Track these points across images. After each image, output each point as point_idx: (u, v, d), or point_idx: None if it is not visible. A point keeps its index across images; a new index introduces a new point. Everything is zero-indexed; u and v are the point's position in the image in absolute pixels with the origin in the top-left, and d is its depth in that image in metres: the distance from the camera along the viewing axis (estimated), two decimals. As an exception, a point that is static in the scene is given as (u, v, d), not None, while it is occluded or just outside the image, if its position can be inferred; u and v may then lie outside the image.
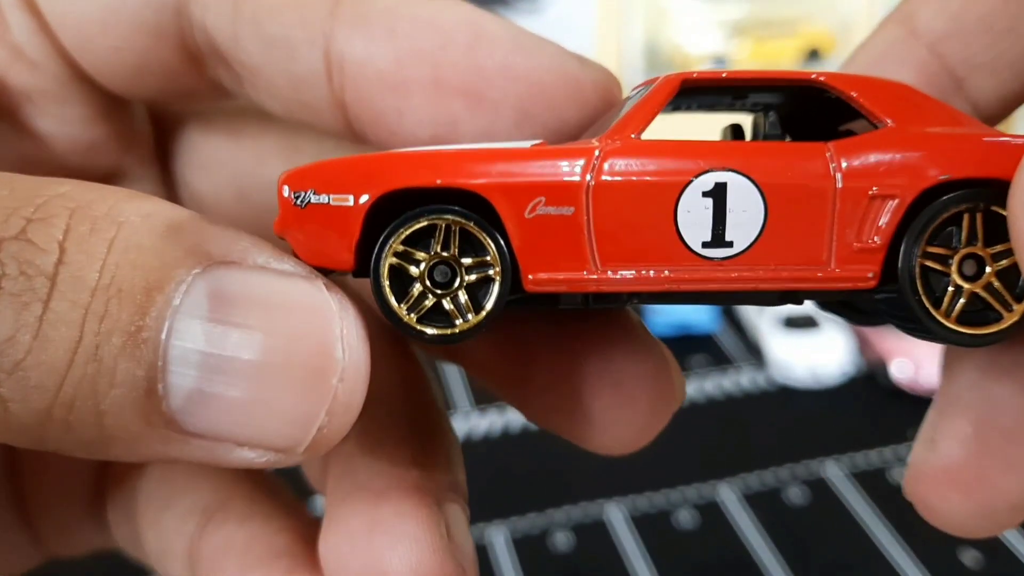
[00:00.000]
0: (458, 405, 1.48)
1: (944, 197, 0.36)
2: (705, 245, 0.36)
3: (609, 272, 0.36)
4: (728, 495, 1.27)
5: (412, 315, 0.36)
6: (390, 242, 0.36)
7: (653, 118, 0.38)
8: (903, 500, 1.30)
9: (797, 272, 0.37)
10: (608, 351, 0.44)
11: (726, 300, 0.39)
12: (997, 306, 0.36)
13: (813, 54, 2.14)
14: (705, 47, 2.12)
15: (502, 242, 0.36)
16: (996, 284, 0.36)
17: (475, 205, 0.36)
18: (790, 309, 1.58)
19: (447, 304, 0.36)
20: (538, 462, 1.32)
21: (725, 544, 1.19)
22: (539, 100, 0.41)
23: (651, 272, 0.36)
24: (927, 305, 0.36)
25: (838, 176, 0.36)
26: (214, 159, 0.51)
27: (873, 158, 0.36)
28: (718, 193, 0.36)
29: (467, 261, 0.37)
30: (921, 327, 0.37)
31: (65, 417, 0.31)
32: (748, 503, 1.26)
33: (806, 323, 1.58)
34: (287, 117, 0.46)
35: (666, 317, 1.63)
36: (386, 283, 0.36)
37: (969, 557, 1.14)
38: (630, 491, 1.27)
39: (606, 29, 2.02)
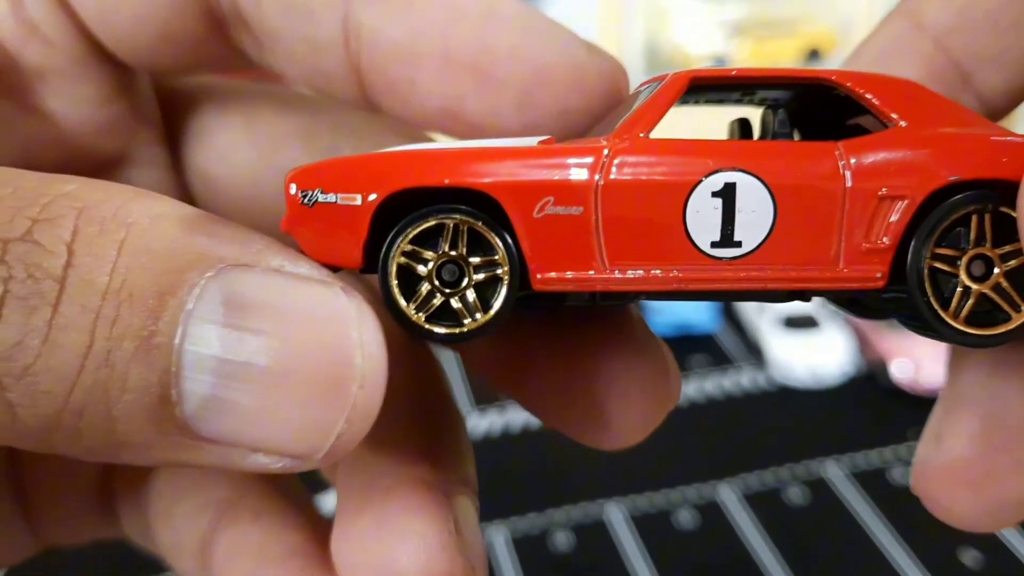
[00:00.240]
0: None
1: (953, 198, 0.36)
2: (714, 245, 0.36)
3: (617, 272, 0.36)
4: (728, 495, 1.27)
5: (420, 314, 0.36)
6: (398, 242, 0.36)
7: (662, 116, 0.38)
8: (903, 500, 1.30)
9: (805, 272, 0.37)
10: (608, 346, 0.44)
11: (733, 298, 0.39)
12: (1005, 307, 0.36)
13: (813, 54, 2.14)
14: (705, 47, 2.12)
15: (510, 241, 0.36)
16: (1004, 284, 0.36)
17: (483, 204, 0.36)
18: (790, 309, 1.58)
19: (455, 303, 0.36)
20: (538, 462, 1.32)
21: (725, 544, 1.19)
22: (542, 84, 0.40)
23: (659, 272, 0.36)
24: (935, 306, 0.36)
25: (847, 176, 0.36)
26: (228, 144, 0.51)
27: (883, 158, 0.36)
28: (727, 193, 0.36)
29: (475, 260, 0.36)
30: (929, 327, 0.37)
31: (75, 423, 0.30)
32: (748, 503, 1.26)
33: (806, 323, 1.58)
34: (304, 83, 0.46)
35: (666, 317, 1.63)
36: (394, 283, 0.36)
37: (969, 557, 1.14)
38: (630, 491, 1.27)
39: (606, 29, 2.02)
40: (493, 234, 0.36)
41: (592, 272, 0.36)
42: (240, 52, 0.46)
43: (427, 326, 0.36)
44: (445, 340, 0.36)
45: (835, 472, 1.31)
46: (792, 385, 1.52)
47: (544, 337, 0.45)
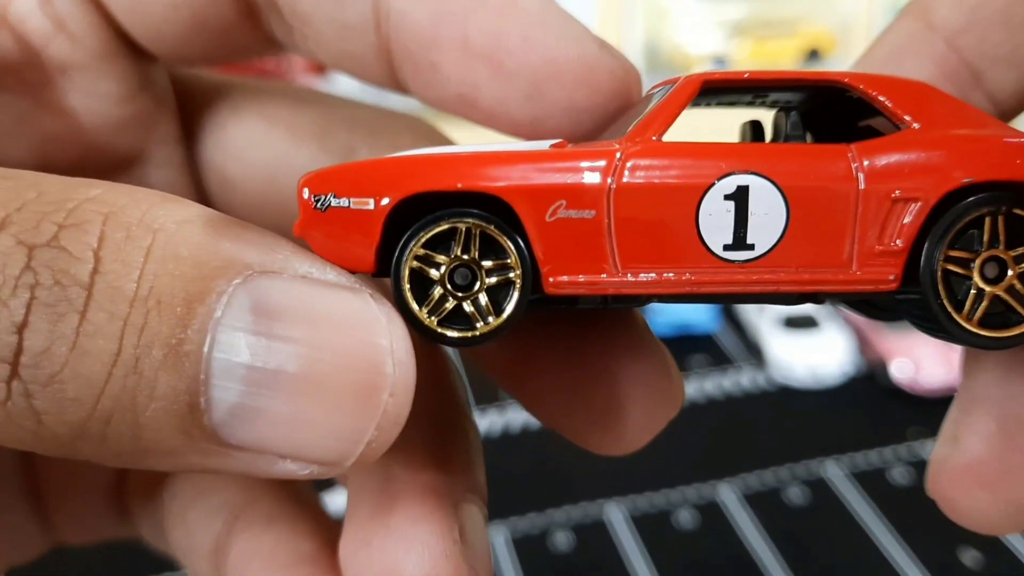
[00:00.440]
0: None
1: (967, 200, 0.36)
2: (726, 248, 0.36)
3: (629, 275, 0.36)
4: (728, 495, 1.27)
5: (433, 318, 0.36)
6: (411, 246, 0.36)
7: (674, 120, 0.38)
8: (903, 500, 1.29)
9: (818, 274, 0.37)
10: (612, 351, 0.44)
11: (745, 300, 0.39)
12: (1019, 308, 0.36)
13: (813, 54, 2.14)
14: (705, 47, 2.12)
15: (522, 244, 0.36)
16: (1018, 286, 0.36)
17: (496, 208, 0.36)
18: (791, 309, 1.58)
19: (467, 307, 0.36)
20: (538, 462, 1.32)
21: (725, 544, 1.19)
22: (551, 77, 0.40)
23: (672, 275, 0.36)
24: (949, 308, 0.36)
25: (860, 178, 0.36)
26: (246, 143, 0.51)
27: (896, 160, 0.36)
28: (740, 196, 0.36)
29: (487, 264, 0.37)
30: (942, 329, 0.37)
31: (102, 430, 0.30)
32: (748, 503, 1.26)
33: (806, 323, 1.58)
34: (334, 66, 0.46)
35: (666, 317, 1.63)
36: (407, 287, 0.36)
37: (969, 557, 1.14)
38: (630, 491, 1.27)
39: (606, 29, 2.02)
40: (505, 238, 0.36)
41: (604, 275, 0.36)
42: (269, 38, 0.46)
43: (439, 330, 0.36)
44: (458, 344, 0.36)
45: (835, 472, 1.31)
46: (792, 385, 1.52)
47: (548, 340, 0.45)
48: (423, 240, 0.36)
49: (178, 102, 0.51)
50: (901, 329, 1.51)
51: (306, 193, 0.37)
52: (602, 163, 0.36)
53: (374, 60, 0.43)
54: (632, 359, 0.44)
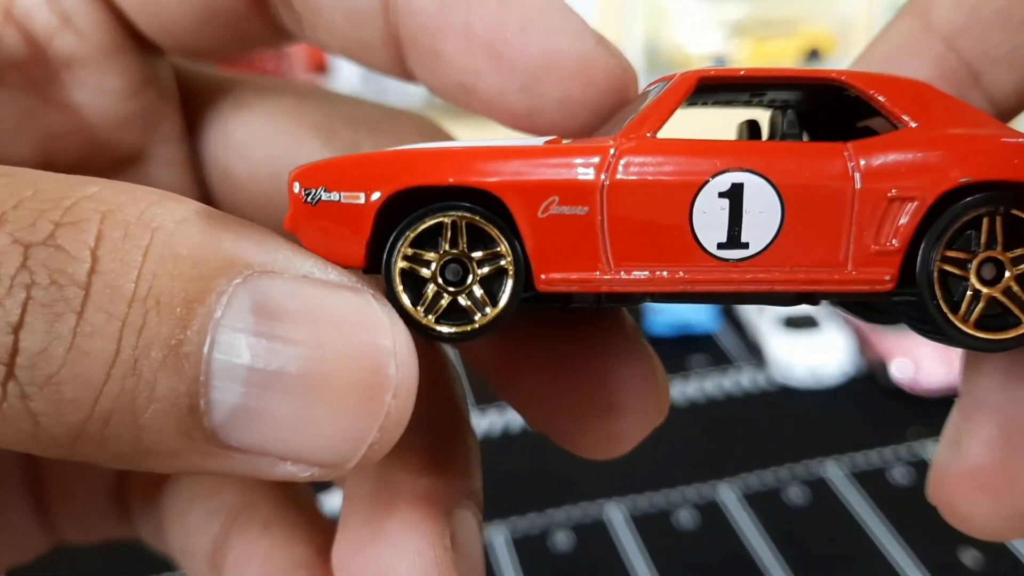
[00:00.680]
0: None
1: (964, 200, 0.36)
2: (720, 246, 0.36)
3: (623, 272, 0.36)
4: (728, 495, 1.27)
5: (430, 316, 0.36)
6: (399, 245, 0.36)
7: (669, 116, 0.38)
8: (903, 500, 1.29)
9: (813, 274, 0.36)
10: (598, 355, 0.43)
11: (741, 300, 0.38)
12: (1016, 311, 0.36)
13: (813, 54, 2.14)
14: (705, 47, 2.12)
15: (515, 241, 0.36)
16: (1015, 288, 0.36)
17: (488, 204, 0.36)
18: (791, 309, 1.58)
19: (463, 301, 0.36)
20: (538, 462, 1.32)
21: (725, 544, 1.19)
22: (546, 70, 0.40)
23: (665, 273, 0.36)
24: (945, 310, 0.36)
25: (857, 177, 0.36)
26: (249, 140, 0.51)
27: (892, 159, 0.36)
28: (734, 194, 0.36)
29: (477, 255, 0.36)
30: (939, 331, 0.36)
31: (100, 432, 0.30)
32: (748, 503, 1.26)
33: (806, 323, 1.58)
34: (343, 54, 0.45)
35: (666, 317, 1.63)
36: (399, 288, 0.36)
37: (969, 557, 1.14)
38: (630, 491, 1.27)
39: (606, 29, 2.01)
40: (492, 226, 0.36)
41: (597, 273, 0.36)
42: (277, 27, 0.46)
43: (437, 328, 0.36)
44: (457, 339, 0.36)
45: (835, 472, 1.31)
46: (792, 385, 1.52)
47: (536, 340, 0.45)
48: (410, 239, 0.36)
49: (181, 99, 0.51)
50: (901, 329, 1.51)
51: (296, 187, 0.37)
52: (596, 159, 0.36)
53: (382, 47, 0.43)
54: (619, 363, 0.43)
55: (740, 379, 1.54)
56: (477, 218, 0.36)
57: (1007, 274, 0.36)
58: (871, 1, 2.12)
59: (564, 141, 0.39)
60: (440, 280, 0.36)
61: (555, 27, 0.40)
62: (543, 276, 0.36)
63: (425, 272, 0.36)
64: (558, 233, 0.36)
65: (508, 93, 0.41)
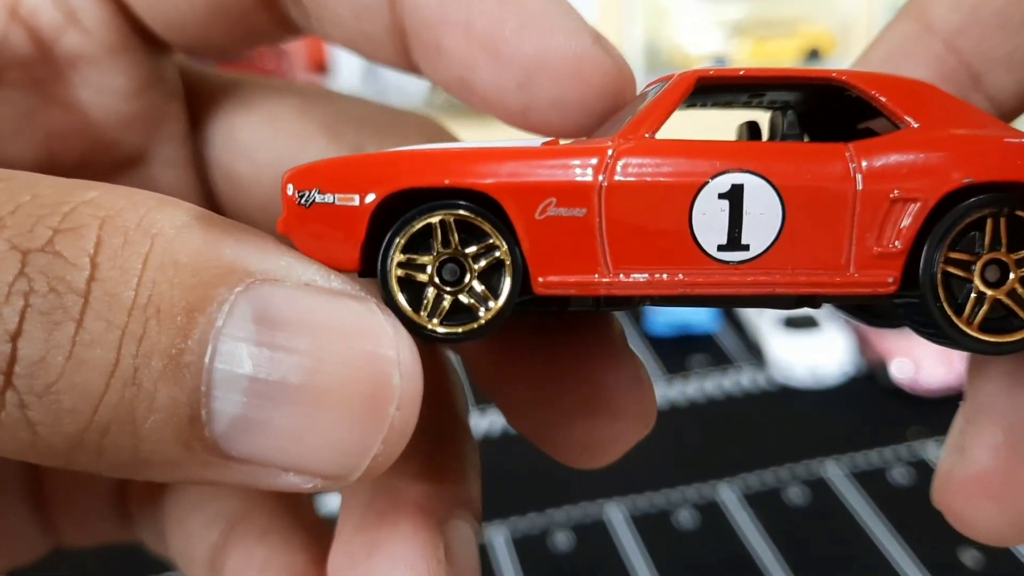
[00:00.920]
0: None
1: (967, 201, 0.35)
2: (720, 248, 0.35)
3: (621, 275, 0.35)
4: (728, 495, 1.27)
5: (435, 320, 0.35)
6: (393, 248, 0.35)
7: (668, 117, 0.37)
8: (903, 500, 1.29)
9: (815, 277, 0.36)
10: (585, 363, 0.43)
11: (740, 303, 0.38)
12: (1021, 313, 0.35)
13: (813, 54, 2.13)
14: (705, 47, 2.12)
15: (511, 241, 0.35)
16: (1020, 290, 0.35)
17: (485, 206, 0.35)
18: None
19: (465, 299, 0.35)
20: (538, 462, 1.32)
21: (725, 544, 1.19)
22: (541, 68, 0.40)
23: (665, 275, 0.35)
24: (949, 312, 0.35)
25: (858, 178, 0.35)
26: (253, 141, 0.50)
27: (894, 160, 0.35)
28: (734, 195, 0.35)
29: (471, 250, 0.36)
30: (941, 334, 0.36)
31: (99, 442, 0.29)
32: (748, 503, 1.26)
33: (806, 323, 1.58)
34: (349, 47, 0.45)
35: (666, 317, 1.63)
36: (400, 297, 0.35)
37: (969, 557, 1.14)
38: (630, 491, 1.27)
39: (606, 29, 2.01)
40: (480, 219, 0.35)
41: (596, 276, 0.35)
42: (285, 21, 0.46)
43: (444, 330, 0.35)
44: (466, 338, 0.35)
45: (835, 472, 1.31)
46: (792, 385, 1.52)
47: (524, 347, 0.44)
48: (401, 246, 0.35)
49: (185, 99, 0.51)
50: (901, 330, 1.51)
51: (290, 189, 0.36)
52: (593, 160, 0.35)
53: (387, 40, 0.43)
54: (604, 371, 0.43)
55: (740, 379, 1.54)
56: (463, 213, 0.35)
57: (1011, 276, 0.36)
58: (871, 1, 2.12)
59: (562, 142, 0.38)
60: (439, 282, 0.36)
61: (552, 26, 0.40)
62: (541, 279, 0.35)
63: (422, 276, 0.35)
64: (556, 235, 0.35)
65: (504, 90, 0.41)
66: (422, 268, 0.35)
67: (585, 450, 0.43)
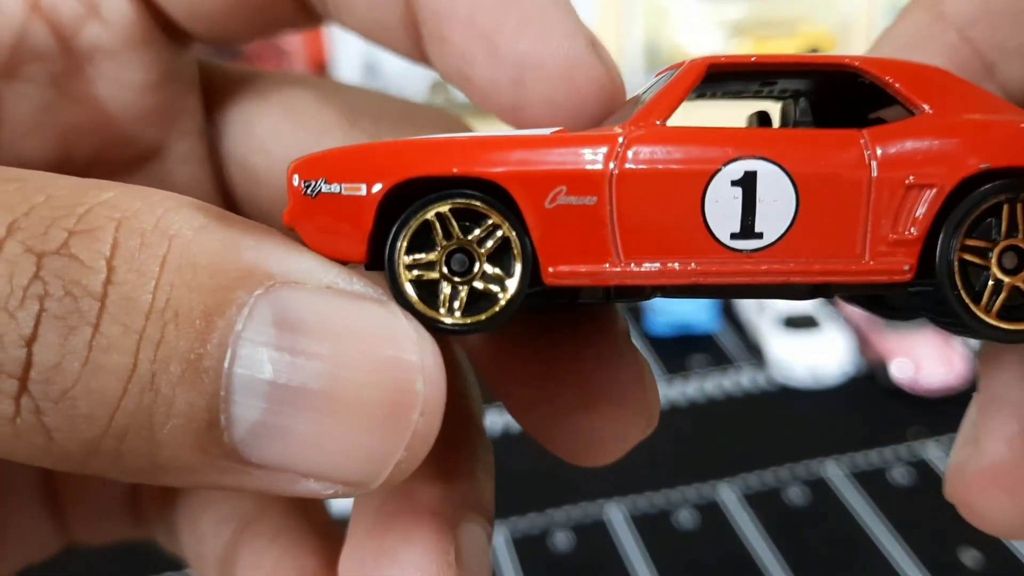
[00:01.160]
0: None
1: (984, 187, 0.35)
2: (734, 236, 0.35)
3: (633, 265, 0.35)
4: (728, 495, 1.27)
5: (458, 314, 0.34)
6: (399, 245, 0.35)
7: (679, 104, 0.37)
8: (903, 500, 1.29)
9: (829, 265, 0.35)
10: (588, 360, 0.42)
11: (754, 293, 0.37)
12: None
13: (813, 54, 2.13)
14: (705, 47, 2.12)
15: (515, 220, 0.35)
16: None
17: (494, 195, 0.35)
18: (790, 308, 1.58)
19: (480, 284, 0.35)
20: (538, 462, 1.32)
21: (725, 544, 1.19)
22: (533, 68, 0.40)
23: (677, 265, 0.35)
24: (966, 300, 0.35)
25: (873, 165, 0.35)
26: (270, 135, 0.50)
27: (910, 146, 0.35)
28: (747, 182, 0.34)
29: (475, 235, 0.35)
30: (959, 322, 0.35)
31: (116, 448, 0.29)
32: (748, 503, 1.26)
33: (806, 323, 1.58)
34: (364, 36, 0.45)
35: (666, 317, 1.63)
36: (418, 302, 0.34)
37: (969, 557, 1.14)
38: (630, 491, 1.27)
39: (606, 29, 2.02)
40: (476, 200, 0.35)
41: (607, 265, 0.35)
42: (306, 8, 0.45)
43: (473, 320, 0.34)
44: (476, 329, 0.35)
45: (835, 472, 1.31)
46: (792, 385, 1.52)
47: (527, 343, 0.44)
48: (404, 249, 0.35)
49: (203, 93, 0.50)
50: (901, 329, 1.51)
51: (296, 180, 0.35)
52: (604, 148, 0.34)
53: (401, 29, 0.42)
54: (607, 368, 0.42)
55: (740, 379, 1.54)
56: (461, 202, 0.35)
57: None
58: (871, 1, 2.12)
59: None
60: (450, 274, 0.35)
61: (549, 27, 0.40)
62: (551, 269, 0.35)
63: (433, 274, 0.35)
64: (566, 224, 0.34)
65: (499, 85, 0.40)
66: (431, 266, 0.35)
67: (588, 447, 0.43)
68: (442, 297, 0.35)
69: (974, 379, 1.43)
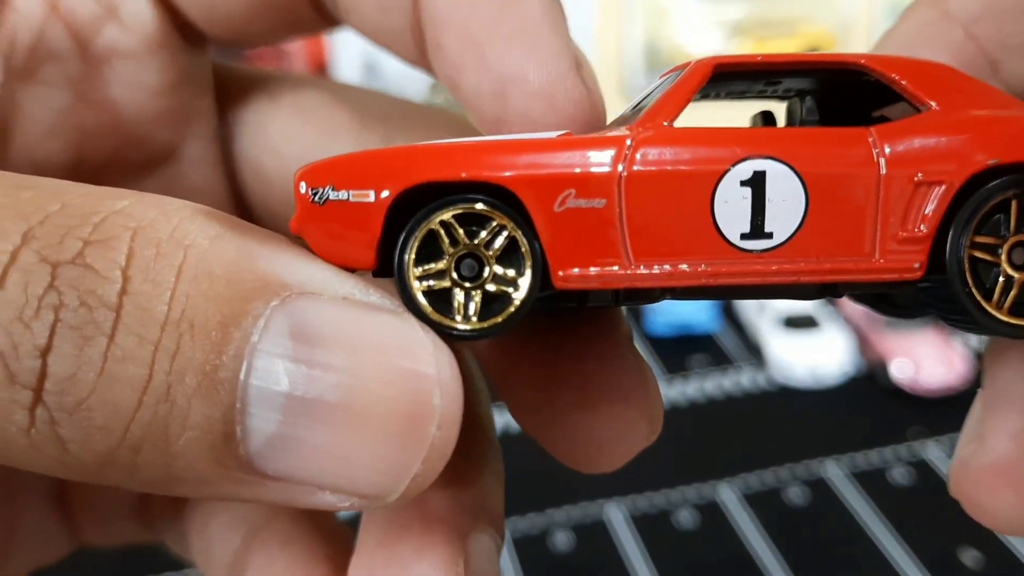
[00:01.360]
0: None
1: (992, 183, 0.35)
2: (744, 237, 0.35)
3: (643, 267, 0.35)
4: (728, 495, 1.27)
5: (474, 319, 0.34)
6: (408, 251, 0.34)
7: (686, 105, 0.37)
8: (903, 500, 1.29)
9: (840, 263, 0.35)
10: (590, 366, 0.42)
11: (763, 294, 0.37)
12: None
13: (813, 54, 2.13)
14: (705, 47, 2.11)
15: (524, 224, 0.35)
16: None
17: (503, 200, 0.35)
18: (790, 309, 1.58)
19: (492, 287, 0.35)
20: (538, 462, 1.32)
21: (725, 544, 1.19)
22: (515, 83, 0.40)
23: (687, 266, 0.35)
24: (978, 297, 0.35)
25: (882, 162, 0.35)
26: (282, 136, 0.50)
27: (918, 143, 0.35)
28: (757, 182, 0.34)
29: (482, 236, 0.35)
30: (970, 319, 0.35)
31: (131, 459, 0.29)
32: (748, 503, 1.26)
33: (806, 323, 1.58)
34: (374, 41, 0.45)
35: (666, 317, 1.63)
36: (420, 297, 0.34)
37: (969, 557, 1.14)
38: (630, 491, 1.27)
39: (606, 29, 2.02)
40: (478, 204, 0.34)
41: (616, 268, 0.35)
42: (323, 11, 0.45)
43: (485, 325, 0.34)
44: (507, 326, 0.34)
45: (835, 472, 1.31)
46: (792, 385, 1.52)
47: (532, 347, 0.44)
48: (413, 259, 0.34)
49: (216, 95, 0.50)
50: (901, 329, 1.51)
51: (303, 187, 0.35)
52: (612, 150, 0.34)
53: (409, 36, 0.43)
54: (609, 373, 0.42)
55: (740, 379, 1.54)
56: (461, 208, 0.34)
57: None
58: (871, 1, 2.12)
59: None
60: (461, 280, 0.35)
61: (537, 43, 0.40)
62: (560, 272, 0.35)
63: (445, 283, 0.34)
64: (575, 227, 0.34)
65: (482, 95, 0.40)
66: (441, 275, 0.35)
67: (589, 452, 0.43)
68: (456, 304, 0.34)
69: (974, 379, 1.43)
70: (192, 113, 0.48)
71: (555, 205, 0.34)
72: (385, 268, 0.35)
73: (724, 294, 0.37)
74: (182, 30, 0.46)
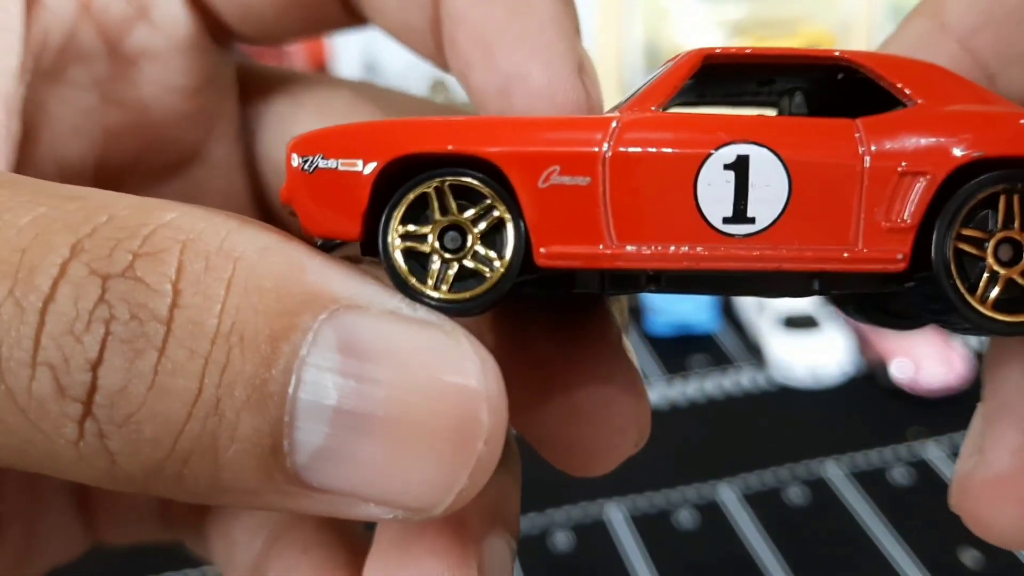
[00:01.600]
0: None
1: (979, 178, 0.35)
2: (726, 221, 0.35)
3: (627, 247, 0.35)
4: (728, 495, 1.27)
5: (443, 287, 0.35)
6: (392, 221, 0.35)
7: (675, 92, 0.37)
8: (903, 500, 1.29)
9: (822, 252, 0.35)
10: (580, 368, 0.43)
11: (749, 287, 0.37)
12: None
13: (813, 54, 2.13)
14: (705, 47, 2.11)
15: (508, 199, 0.35)
16: None
17: (489, 174, 0.35)
18: (790, 308, 1.58)
19: (471, 263, 0.35)
20: (538, 462, 1.32)
21: (725, 544, 1.19)
22: (519, 82, 0.40)
23: (669, 248, 0.35)
24: (962, 291, 0.35)
25: (866, 152, 0.35)
26: None
27: (903, 134, 0.35)
28: (740, 166, 0.35)
29: (470, 214, 0.35)
30: (956, 316, 0.35)
31: (178, 471, 0.29)
32: (748, 503, 1.26)
33: (806, 323, 1.57)
34: (395, 37, 0.45)
35: (666, 317, 1.63)
36: (398, 260, 0.35)
37: (969, 557, 1.14)
38: (630, 491, 1.27)
39: (606, 29, 2.02)
40: (471, 179, 0.35)
41: (599, 247, 0.35)
42: (351, 8, 0.46)
43: (456, 297, 0.34)
44: (477, 304, 0.35)
45: (835, 472, 1.31)
46: (792, 385, 1.52)
47: (522, 348, 0.44)
48: (401, 216, 0.35)
49: (240, 97, 0.51)
50: (907, 330, 1.51)
51: (294, 158, 0.36)
52: (599, 130, 0.35)
53: (429, 34, 0.43)
54: (597, 379, 0.42)
55: (740, 379, 1.54)
56: (461, 179, 0.35)
57: None
58: (871, 1, 2.12)
59: None
60: (441, 250, 0.35)
61: (543, 45, 0.40)
62: (543, 250, 0.35)
63: (424, 247, 0.35)
64: (559, 204, 0.35)
65: (488, 93, 0.41)
66: (423, 239, 0.35)
67: (576, 456, 0.43)
68: (431, 271, 0.35)
69: (974, 379, 1.43)
70: (217, 114, 0.48)
71: (540, 181, 0.34)
72: (371, 244, 0.35)
73: (708, 284, 0.37)
74: (212, 30, 0.46)
